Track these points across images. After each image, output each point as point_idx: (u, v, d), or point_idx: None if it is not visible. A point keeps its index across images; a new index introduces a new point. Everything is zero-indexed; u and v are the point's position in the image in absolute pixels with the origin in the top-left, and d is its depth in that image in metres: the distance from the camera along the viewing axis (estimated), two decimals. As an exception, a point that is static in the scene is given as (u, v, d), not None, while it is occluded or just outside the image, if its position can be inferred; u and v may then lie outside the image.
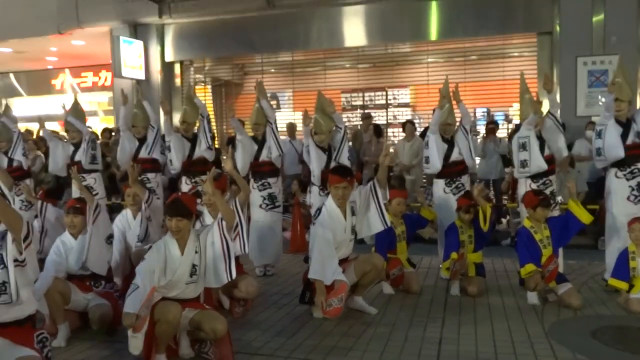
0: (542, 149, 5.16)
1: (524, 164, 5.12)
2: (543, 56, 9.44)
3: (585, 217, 4.61)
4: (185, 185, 6.13)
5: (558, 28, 9.06)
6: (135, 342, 3.20)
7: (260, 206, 5.82)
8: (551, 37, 9.27)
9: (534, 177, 5.19)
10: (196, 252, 3.52)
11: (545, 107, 5.46)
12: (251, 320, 4.40)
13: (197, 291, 3.61)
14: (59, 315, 3.88)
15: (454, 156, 5.61)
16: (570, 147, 7.77)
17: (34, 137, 10.50)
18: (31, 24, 11.04)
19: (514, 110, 9.88)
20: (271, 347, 3.79)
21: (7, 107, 7.52)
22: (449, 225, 5.23)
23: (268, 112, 5.87)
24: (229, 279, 3.54)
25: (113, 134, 10.14)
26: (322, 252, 4.20)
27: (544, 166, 5.09)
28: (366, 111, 10.46)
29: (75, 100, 6.83)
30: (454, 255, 4.99)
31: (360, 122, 10.13)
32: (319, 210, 4.40)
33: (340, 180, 4.31)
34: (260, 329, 4.17)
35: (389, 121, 10.86)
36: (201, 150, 6.10)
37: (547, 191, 5.05)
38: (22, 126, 9.80)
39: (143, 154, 6.38)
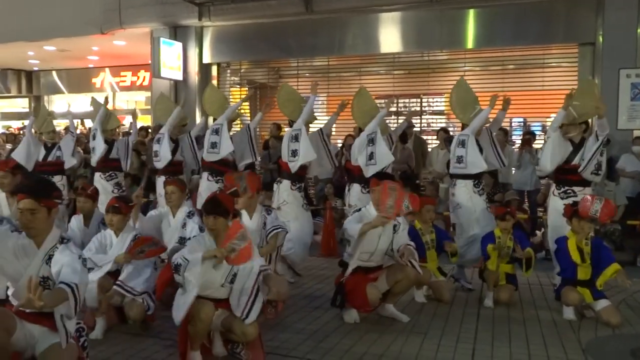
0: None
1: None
2: (584, 67, 9.23)
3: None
4: (207, 182, 6.21)
5: (601, 39, 8.87)
6: None
7: (303, 206, 5.90)
8: (593, 48, 9.08)
9: (559, 185, 5.25)
10: None
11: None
12: (283, 322, 4.42)
13: (228, 294, 3.60)
14: (98, 308, 3.96)
15: None
16: (612, 161, 7.64)
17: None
18: (76, 24, 11.35)
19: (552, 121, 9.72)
20: (303, 350, 3.80)
21: (68, 105, 7.95)
22: (487, 233, 5.17)
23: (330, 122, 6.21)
24: (243, 318, 3.45)
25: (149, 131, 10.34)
26: (354, 229, 4.20)
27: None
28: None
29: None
30: (491, 246, 4.94)
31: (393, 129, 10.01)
32: (360, 209, 4.40)
33: (378, 184, 4.32)
34: (292, 332, 4.19)
35: (422, 128, 10.78)
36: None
37: (569, 201, 5.02)
38: (63, 122, 10.07)
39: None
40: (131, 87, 15.55)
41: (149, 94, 13.29)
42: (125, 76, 15.53)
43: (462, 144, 5.43)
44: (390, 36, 10.36)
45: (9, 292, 2.98)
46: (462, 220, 5.52)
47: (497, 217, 5.12)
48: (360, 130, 6.14)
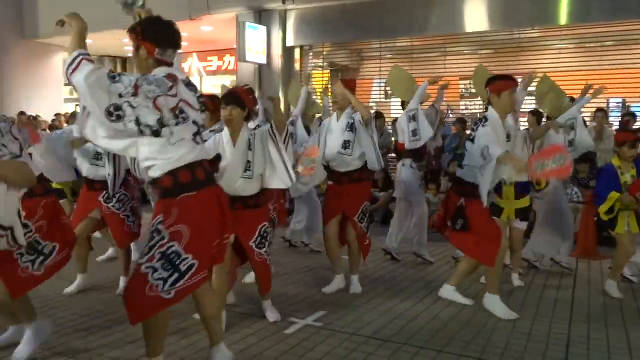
0: None
1: None
2: (693, 42, 8.49)
3: None
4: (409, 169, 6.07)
5: None
6: None
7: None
8: None
9: None
10: (250, 149, 3.74)
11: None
12: (369, 303, 4.45)
13: (255, 189, 3.83)
14: None
15: None
16: None
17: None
18: (166, 11, 11.56)
19: (655, 101, 9.05)
20: (387, 333, 3.78)
21: None
22: (604, 167, 4.76)
23: None
24: (292, 182, 3.81)
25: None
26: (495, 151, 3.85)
27: None
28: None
29: None
30: (613, 194, 4.46)
31: (480, 111, 9.73)
32: (486, 118, 4.13)
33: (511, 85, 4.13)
34: (377, 313, 4.20)
35: (511, 110, 10.35)
36: None
37: None
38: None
39: None
40: (217, 72, 16.00)
41: (234, 78, 13.63)
42: (212, 61, 15.99)
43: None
44: (476, 14, 9.98)
45: None
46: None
47: (620, 145, 4.55)
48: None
